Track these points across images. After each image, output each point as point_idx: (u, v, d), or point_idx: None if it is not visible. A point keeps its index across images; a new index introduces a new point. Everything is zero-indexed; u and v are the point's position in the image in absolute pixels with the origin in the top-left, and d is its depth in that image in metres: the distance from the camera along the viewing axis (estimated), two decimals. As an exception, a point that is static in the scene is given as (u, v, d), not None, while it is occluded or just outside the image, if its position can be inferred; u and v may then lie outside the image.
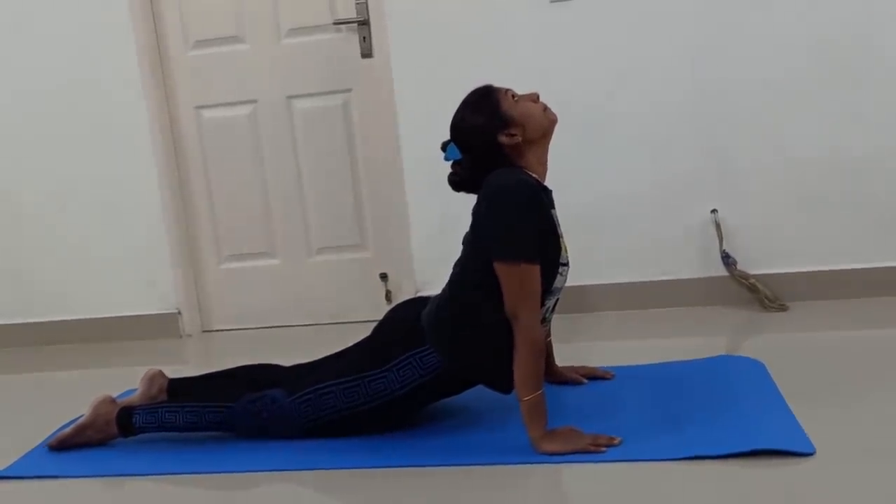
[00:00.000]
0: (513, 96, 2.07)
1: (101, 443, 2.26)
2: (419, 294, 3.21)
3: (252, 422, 2.16)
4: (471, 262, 2.08)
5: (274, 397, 2.14)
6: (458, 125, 2.09)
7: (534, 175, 2.06)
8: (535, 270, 1.96)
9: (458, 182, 2.13)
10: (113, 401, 2.28)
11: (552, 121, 2.09)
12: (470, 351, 2.04)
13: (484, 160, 2.06)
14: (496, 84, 2.11)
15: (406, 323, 2.13)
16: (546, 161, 2.11)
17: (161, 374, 2.41)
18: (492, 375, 2.06)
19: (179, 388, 2.38)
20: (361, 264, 3.46)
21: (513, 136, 2.03)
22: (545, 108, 2.08)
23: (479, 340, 2.03)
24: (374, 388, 2.06)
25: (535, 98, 2.09)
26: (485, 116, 2.04)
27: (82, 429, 2.25)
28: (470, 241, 2.11)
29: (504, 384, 2.05)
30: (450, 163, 2.13)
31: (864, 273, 3.00)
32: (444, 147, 2.12)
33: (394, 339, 2.12)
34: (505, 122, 2.03)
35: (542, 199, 2.02)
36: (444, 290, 2.15)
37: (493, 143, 2.04)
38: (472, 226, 2.08)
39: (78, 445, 2.25)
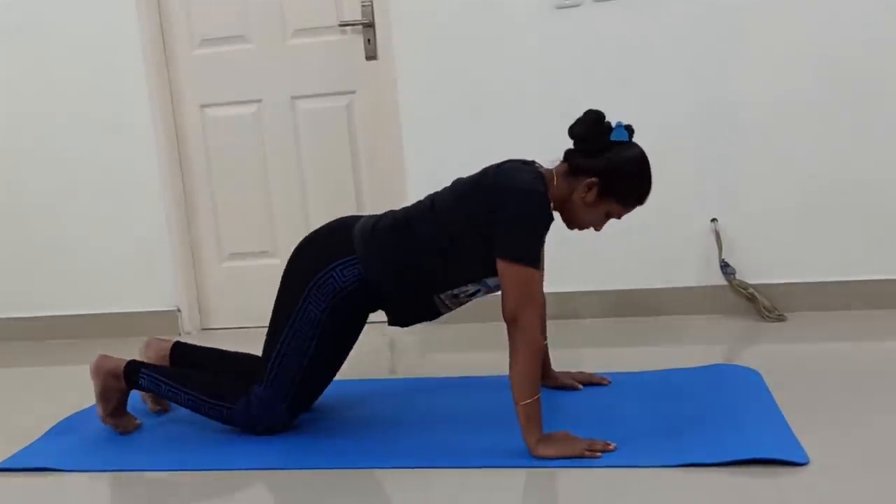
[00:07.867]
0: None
1: (122, 402, 2.31)
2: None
3: (246, 418, 2.21)
4: (452, 221, 2.09)
5: (255, 393, 2.19)
6: (627, 155, 2.08)
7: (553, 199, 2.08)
8: (540, 276, 2.02)
9: (578, 136, 2.10)
10: (107, 357, 2.31)
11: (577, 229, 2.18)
12: (397, 278, 2.12)
13: (582, 153, 2.08)
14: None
15: (310, 248, 2.21)
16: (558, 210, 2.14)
17: (158, 341, 2.47)
18: (399, 307, 2.17)
19: (182, 355, 2.45)
20: (362, 266, 3.47)
21: (593, 185, 2.06)
22: (599, 229, 2.17)
23: (410, 277, 2.11)
24: (307, 321, 2.12)
25: (614, 216, 2.14)
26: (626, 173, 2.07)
27: (101, 398, 2.29)
28: (463, 197, 2.10)
29: (401, 319, 2.19)
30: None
31: (863, 285, 3.01)
32: (618, 127, 2.09)
33: (301, 268, 2.17)
34: (609, 185, 2.06)
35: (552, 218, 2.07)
36: (396, 214, 2.21)
37: (590, 166, 2.06)
38: (476, 190, 2.08)
39: (118, 407, 2.30)
